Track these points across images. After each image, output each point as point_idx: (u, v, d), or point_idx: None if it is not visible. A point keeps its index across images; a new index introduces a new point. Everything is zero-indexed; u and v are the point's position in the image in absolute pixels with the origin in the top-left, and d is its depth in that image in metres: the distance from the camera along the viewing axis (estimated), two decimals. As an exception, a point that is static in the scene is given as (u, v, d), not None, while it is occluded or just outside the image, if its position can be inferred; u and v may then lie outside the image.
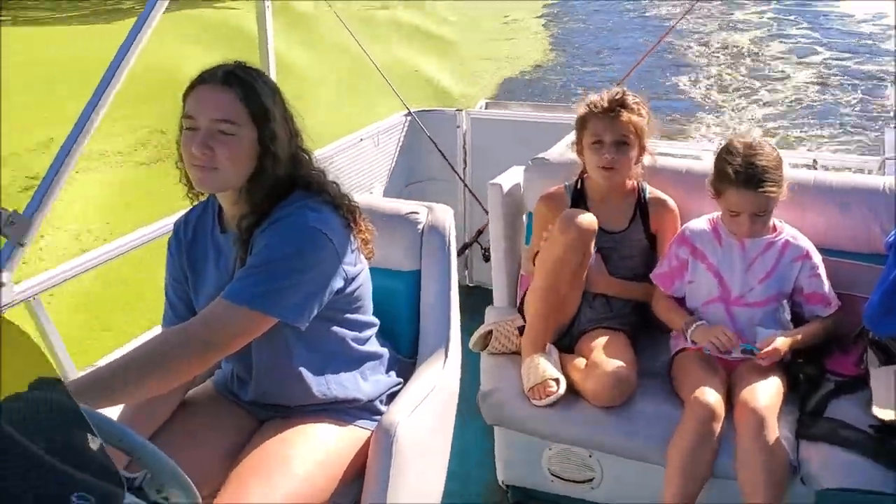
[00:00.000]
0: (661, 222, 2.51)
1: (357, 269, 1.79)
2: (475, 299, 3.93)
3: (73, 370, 2.27)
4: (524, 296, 2.60)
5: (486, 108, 4.16)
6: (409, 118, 4.00)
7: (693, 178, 2.55)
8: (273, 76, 2.97)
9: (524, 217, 2.86)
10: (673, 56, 11.49)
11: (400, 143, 3.99)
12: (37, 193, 2.05)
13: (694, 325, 2.27)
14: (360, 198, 2.12)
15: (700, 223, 2.38)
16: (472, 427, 2.52)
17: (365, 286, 1.86)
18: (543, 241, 2.39)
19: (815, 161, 3.26)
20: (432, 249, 2.09)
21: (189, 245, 1.86)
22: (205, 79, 1.67)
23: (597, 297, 2.48)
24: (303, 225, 1.66)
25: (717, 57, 12.00)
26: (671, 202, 2.52)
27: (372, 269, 1.93)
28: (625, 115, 2.38)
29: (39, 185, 2.05)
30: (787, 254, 2.28)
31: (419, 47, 12.42)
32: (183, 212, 1.90)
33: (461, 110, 4.02)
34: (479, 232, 3.93)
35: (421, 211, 2.13)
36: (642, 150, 2.46)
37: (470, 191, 3.97)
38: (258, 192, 1.70)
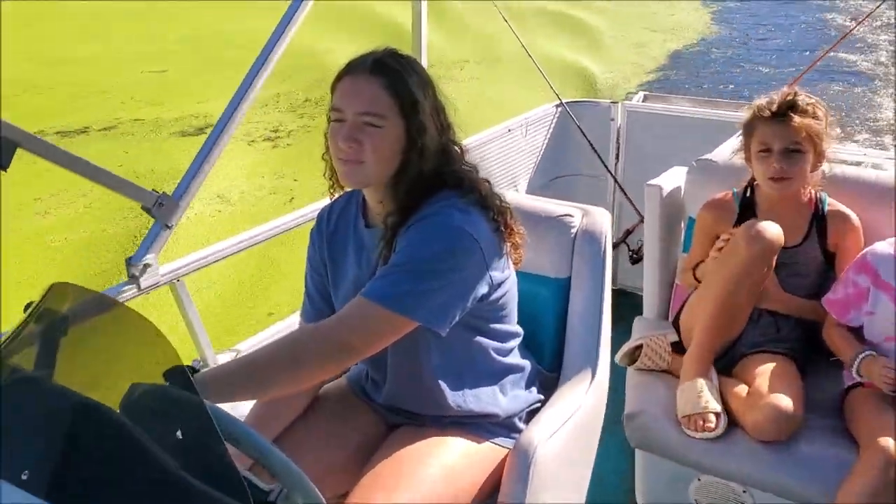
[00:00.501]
0: (842, 239, 2.23)
1: (504, 275, 1.67)
2: (620, 304, 3.72)
3: (212, 355, 2.28)
4: (680, 309, 2.39)
5: (644, 101, 3.92)
6: (559, 109, 3.83)
7: (879, 190, 2.25)
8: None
9: (683, 223, 2.64)
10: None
11: (548, 136, 3.82)
12: (185, 177, 2.04)
13: (860, 357, 1.99)
14: (510, 196, 2.00)
15: (887, 247, 2.08)
16: (611, 445, 2.34)
17: (511, 294, 1.73)
18: (716, 252, 2.19)
19: None
20: (585, 257, 1.94)
21: (331, 236, 1.79)
22: (352, 68, 1.59)
23: (763, 314, 2.23)
24: (449, 225, 1.55)
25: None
26: (854, 217, 2.24)
27: (520, 274, 1.80)
28: (796, 120, 2.13)
29: (189, 168, 2.04)
30: None
31: (570, 34, 12.06)
32: (327, 200, 1.83)
33: (616, 102, 3.80)
34: (628, 232, 3.72)
35: (575, 214, 1.97)
36: (819, 157, 2.20)
37: (621, 188, 3.76)
38: (404, 187, 1.61)
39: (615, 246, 3.80)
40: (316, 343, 1.46)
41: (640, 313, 2.66)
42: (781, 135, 2.16)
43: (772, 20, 13.76)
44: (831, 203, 2.26)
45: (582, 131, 3.75)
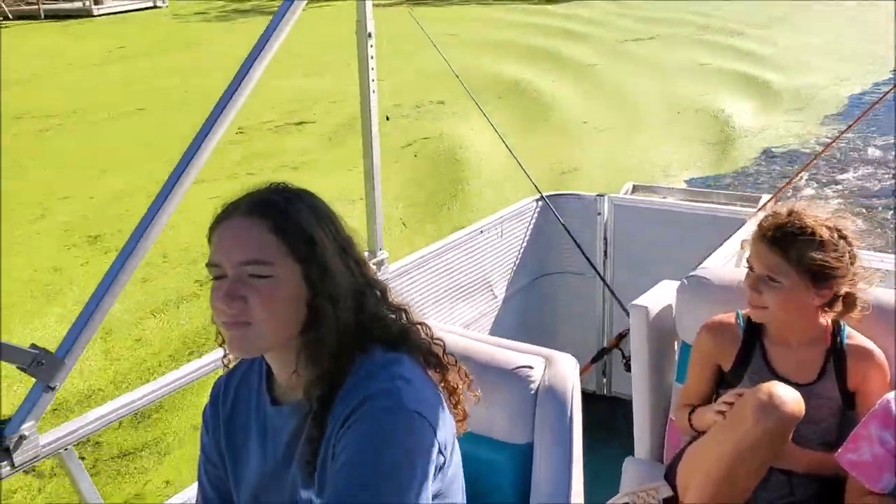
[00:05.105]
0: (864, 380, 1.85)
1: (451, 454, 1.31)
2: (613, 413, 3.36)
3: None
4: (675, 457, 2.00)
5: (631, 193, 3.60)
6: (540, 203, 3.50)
7: None
8: (375, 121, 2.53)
9: (676, 346, 2.27)
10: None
11: (529, 232, 3.49)
12: (70, 333, 1.69)
13: None
14: (454, 341, 1.65)
15: None
16: None
17: (456, 474, 1.36)
18: (718, 415, 1.80)
19: None
20: (549, 419, 1.57)
21: (228, 418, 1.42)
22: (227, 213, 1.27)
23: (774, 473, 1.84)
24: (399, 409, 1.22)
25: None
26: (879, 354, 1.86)
27: (467, 435, 1.46)
28: (776, 250, 1.79)
29: (75, 322, 1.70)
30: None
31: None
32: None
33: (602, 195, 3.48)
34: (621, 336, 3.35)
35: (536, 364, 1.61)
36: (831, 292, 1.82)
37: (610, 290, 3.40)
38: (322, 347, 1.26)
39: (608, 351, 3.44)
40: None
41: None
42: (764, 258, 1.83)
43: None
44: (851, 335, 1.89)
45: (565, 226, 3.42)
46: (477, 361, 1.63)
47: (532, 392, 1.59)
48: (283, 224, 1.24)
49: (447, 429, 1.29)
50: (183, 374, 2.02)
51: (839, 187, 7.74)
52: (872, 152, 8.63)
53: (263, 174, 7.54)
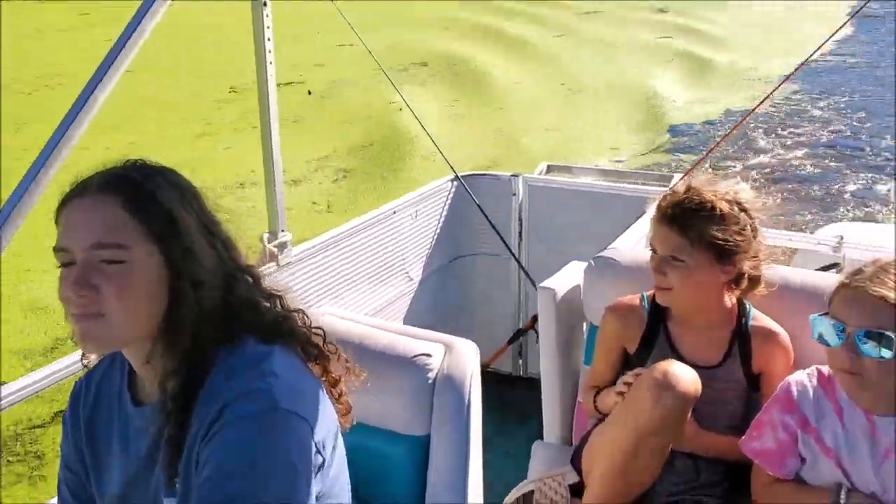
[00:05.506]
0: (769, 361, 1.84)
1: (332, 452, 1.22)
2: (529, 395, 3.33)
3: None
4: (580, 443, 1.97)
5: (546, 173, 3.56)
6: (455, 183, 3.43)
7: (816, 297, 1.82)
8: (273, 96, 2.40)
9: (584, 327, 2.24)
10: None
11: (444, 213, 3.42)
12: None
13: (844, 489, 1.56)
14: (345, 327, 1.57)
15: (806, 378, 1.67)
16: None
17: (340, 472, 1.28)
18: (618, 396, 1.77)
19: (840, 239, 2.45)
20: (448, 409, 1.51)
21: (88, 420, 1.30)
22: (77, 191, 1.14)
23: (678, 457, 1.82)
24: (271, 410, 1.11)
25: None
26: (783, 335, 1.85)
27: (362, 428, 1.39)
28: (675, 228, 1.76)
29: None
30: None
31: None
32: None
33: (517, 175, 3.43)
34: (536, 318, 3.31)
35: (435, 352, 1.54)
36: (734, 269, 1.80)
37: (525, 271, 3.37)
38: (175, 336, 1.15)
39: (523, 332, 3.41)
40: None
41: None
42: (663, 239, 1.80)
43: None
44: (756, 316, 1.87)
45: (480, 207, 3.36)
46: (374, 350, 1.56)
47: (430, 381, 1.52)
48: (139, 201, 1.12)
49: (327, 425, 1.20)
50: (36, 380, 1.83)
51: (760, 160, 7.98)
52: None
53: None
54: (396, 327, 1.68)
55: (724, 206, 1.76)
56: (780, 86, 3.36)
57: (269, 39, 2.33)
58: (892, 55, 12.56)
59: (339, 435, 1.28)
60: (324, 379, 1.27)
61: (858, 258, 2.25)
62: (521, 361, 3.62)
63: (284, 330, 1.23)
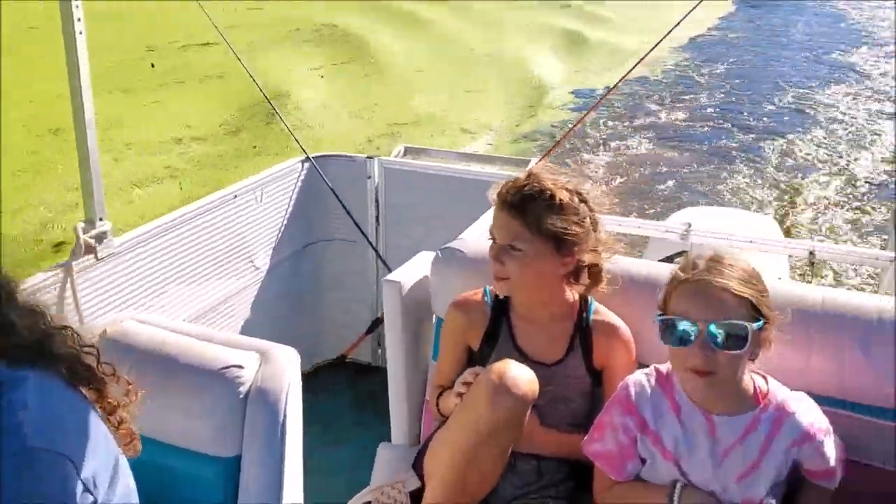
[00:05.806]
0: (610, 356, 1.77)
1: (109, 487, 1.03)
2: (387, 386, 3.19)
3: None
4: (423, 446, 1.85)
5: (403, 156, 3.41)
6: (306, 165, 3.23)
7: (651, 286, 1.77)
8: (88, 93, 2.20)
9: (433, 321, 2.11)
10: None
11: (294, 196, 3.21)
12: None
13: (679, 486, 1.52)
14: (154, 335, 1.37)
15: (644, 378, 1.62)
16: None
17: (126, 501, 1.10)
18: (457, 397, 1.65)
19: (811, 252, 2.53)
20: (259, 428, 1.34)
21: None
22: None
23: (520, 458, 1.73)
24: (19, 450, 0.94)
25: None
26: (623, 329, 1.78)
27: (164, 448, 1.23)
28: (515, 215, 1.68)
29: None
30: (779, 437, 1.52)
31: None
32: None
33: (372, 158, 3.27)
34: (392, 308, 3.18)
35: (248, 363, 1.37)
36: (574, 260, 1.72)
37: (381, 258, 3.22)
38: None
39: (381, 322, 3.27)
40: None
41: None
42: (502, 226, 1.71)
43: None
44: (598, 310, 1.80)
45: (333, 190, 3.18)
46: (178, 361, 1.37)
47: (241, 396, 1.35)
48: None
49: (99, 459, 1.02)
50: None
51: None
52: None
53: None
54: (210, 334, 1.49)
55: (564, 196, 1.67)
56: (631, 70, 3.35)
57: (77, 6, 2.07)
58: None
59: (123, 464, 1.10)
60: (99, 405, 1.08)
61: (707, 244, 2.25)
62: (380, 351, 3.49)
63: (45, 351, 1.03)
